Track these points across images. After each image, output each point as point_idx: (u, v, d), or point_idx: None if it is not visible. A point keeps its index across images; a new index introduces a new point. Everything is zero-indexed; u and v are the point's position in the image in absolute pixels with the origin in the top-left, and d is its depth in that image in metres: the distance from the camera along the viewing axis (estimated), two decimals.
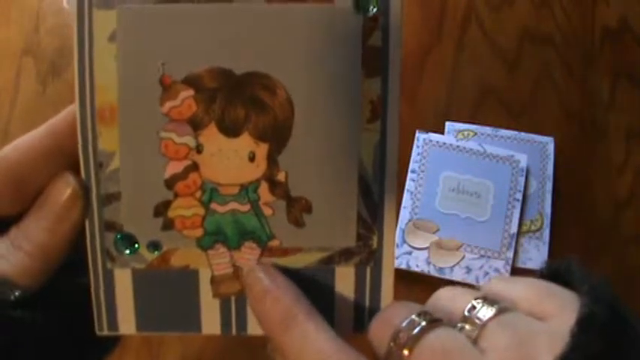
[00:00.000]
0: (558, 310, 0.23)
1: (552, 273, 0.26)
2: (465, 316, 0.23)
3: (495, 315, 0.23)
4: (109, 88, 0.26)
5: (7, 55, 0.66)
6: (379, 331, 0.24)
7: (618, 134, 0.65)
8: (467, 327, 0.23)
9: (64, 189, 0.26)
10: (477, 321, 0.23)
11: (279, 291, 0.25)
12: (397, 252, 0.58)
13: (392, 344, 0.23)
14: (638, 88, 0.66)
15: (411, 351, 0.22)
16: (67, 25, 0.67)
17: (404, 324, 0.23)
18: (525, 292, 0.24)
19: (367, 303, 0.27)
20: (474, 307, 0.23)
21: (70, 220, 0.26)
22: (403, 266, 0.58)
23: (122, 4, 0.25)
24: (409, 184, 0.61)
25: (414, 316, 0.23)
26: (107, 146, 0.26)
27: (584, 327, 0.21)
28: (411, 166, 0.61)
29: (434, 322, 0.23)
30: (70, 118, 0.26)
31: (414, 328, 0.23)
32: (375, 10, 0.26)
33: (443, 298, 0.25)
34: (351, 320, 0.27)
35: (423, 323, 0.23)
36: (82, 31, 0.25)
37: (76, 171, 0.26)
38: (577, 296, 0.23)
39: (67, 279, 0.27)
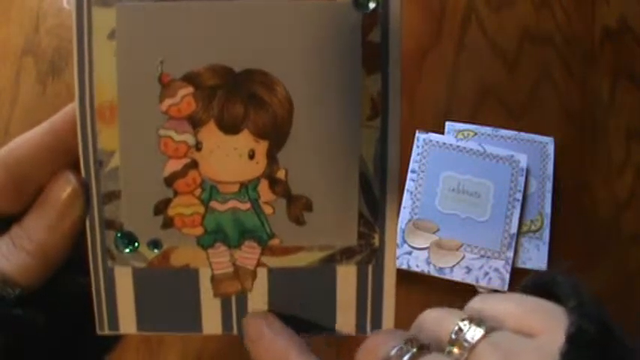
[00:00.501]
0: (545, 326, 0.22)
1: (537, 285, 0.25)
2: (452, 339, 0.23)
3: (483, 336, 0.22)
4: (108, 86, 0.26)
5: (7, 55, 0.66)
6: (370, 352, 0.24)
7: (618, 134, 0.65)
8: (455, 350, 0.23)
9: (65, 187, 0.26)
10: (465, 344, 0.22)
11: (274, 334, 0.26)
12: (397, 252, 0.59)
13: None
14: (638, 88, 0.66)
15: None
16: (67, 25, 0.67)
17: (392, 352, 0.23)
18: (511, 309, 0.24)
19: (369, 302, 0.27)
20: (460, 330, 0.23)
21: (70, 218, 0.26)
22: (403, 266, 0.58)
23: (121, 2, 0.25)
24: (409, 184, 0.61)
25: (401, 345, 0.23)
26: (107, 145, 0.26)
27: (573, 344, 0.21)
28: (411, 166, 0.61)
29: (422, 348, 0.23)
30: (71, 117, 0.26)
31: (402, 356, 0.22)
32: (374, 5, 0.25)
33: (428, 322, 0.25)
34: (352, 320, 0.27)
35: (413, 350, 0.22)
36: (82, 29, 0.25)
37: (76, 169, 0.26)
38: (564, 311, 0.23)
39: (67, 278, 0.27)
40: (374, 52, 0.26)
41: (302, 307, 0.27)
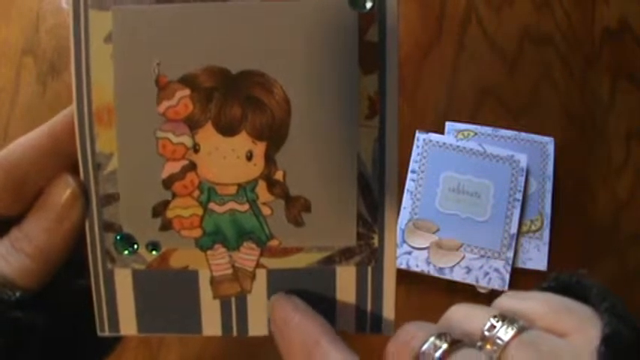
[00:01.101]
0: (577, 326, 0.22)
1: (561, 286, 0.25)
2: (484, 336, 0.23)
3: (516, 334, 0.22)
4: (105, 89, 0.26)
5: (7, 55, 0.66)
6: (398, 354, 0.24)
7: (618, 134, 0.65)
8: (488, 347, 0.23)
9: (64, 190, 0.26)
10: (498, 341, 0.22)
11: (302, 317, 0.25)
12: (397, 252, 0.58)
13: None
14: (638, 88, 0.66)
15: None
16: (67, 26, 0.67)
17: (425, 347, 0.23)
18: (542, 308, 0.24)
19: (369, 303, 0.27)
20: (493, 327, 0.23)
21: (69, 220, 0.26)
22: (403, 266, 0.58)
23: (117, 5, 0.25)
24: (409, 184, 0.61)
25: (433, 339, 0.23)
26: (105, 147, 0.26)
27: (609, 346, 0.21)
28: (411, 166, 0.61)
29: (454, 343, 0.23)
30: (69, 119, 0.26)
31: (436, 350, 0.22)
32: (370, 5, 0.25)
33: (457, 317, 0.25)
34: (353, 320, 0.27)
35: (445, 345, 0.22)
36: (79, 32, 0.25)
37: (75, 172, 0.26)
38: (594, 312, 0.23)
39: (67, 280, 0.27)
40: (371, 51, 0.26)
41: None
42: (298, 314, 0.25)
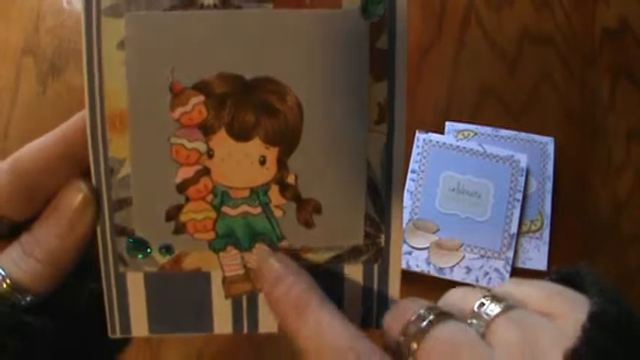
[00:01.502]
0: (567, 310, 0.23)
1: (562, 277, 0.26)
2: (474, 312, 0.24)
3: (503, 311, 0.23)
4: (118, 95, 0.26)
5: (7, 55, 0.66)
6: (391, 326, 0.25)
7: (618, 134, 0.65)
8: (474, 322, 0.24)
9: (76, 195, 0.26)
10: (485, 316, 0.23)
11: (293, 278, 0.26)
12: None
13: (402, 337, 0.24)
14: (638, 88, 0.66)
15: (419, 343, 0.23)
16: (67, 26, 0.67)
17: (413, 317, 0.24)
18: (534, 292, 0.24)
19: (375, 299, 0.28)
20: (482, 304, 0.24)
21: (81, 225, 0.26)
22: (403, 266, 0.58)
23: (130, 12, 0.25)
24: (409, 184, 0.61)
25: (423, 311, 0.24)
26: (117, 153, 0.26)
27: (596, 322, 0.21)
28: (411, 166, 0.61)
29: (442, 314, 0.24)
30: (81, 124, 0.26)
31: (423, 321, 0.23)
32: (381, 13, 0.26)
33: (454, 297, 0.26)
34: (359, 316, 0.28)
35: (432, 317, 0.23)
36: (91, 39, 0.26)
37: (87, 176, 0.26)
38: (586, 298, 0.23)
39: (77, 284, 0.28)
40: (381, 58, 0.26)
41: None
42: (290, 274, 0.26)
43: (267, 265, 0.27)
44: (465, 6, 0.69)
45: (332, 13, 0.26)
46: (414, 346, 0.23)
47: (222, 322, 0.28)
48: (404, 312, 0.24)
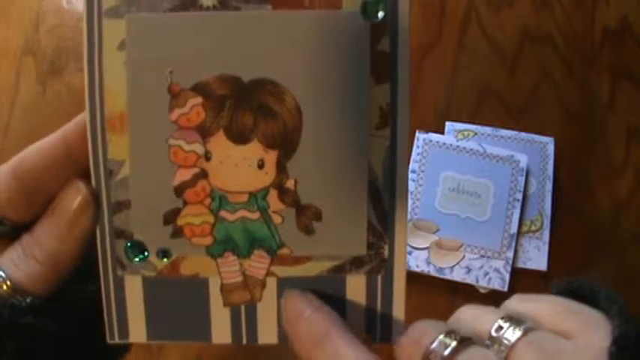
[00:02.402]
0: (583, 328, 0.23)
1: (568, 290, 0.26)
2: (492, 336, 0.23)
3: (522, 335, 0.23)
4: (118, 96, 0.26)
5: (7, 55, 0.65)
6: (407, 351, 0.24)
7: (618, 134, 0.65)
8: (495, 347, 0.23)
9: (75, 196, 0.26)
10: (505, 341, 0.23)
11: (313, 311, 0.25)
12: None
13: None
14: (638, 88, 0.66)
15: None
16: (67, 25, 0.67)
17: (434, 345, 0.23)
18: (548, 309, 0.24)
19: (379, 312, 0.27)
20: (500, 327, 0.23)
21: (80, 227, 0.26)
22: None
23: (131, 13, 0.25)
24: (409, 184, 0.61)
25: (442, 337, 0.23)
26: (117, 154, 0.26)
27: (621, 346, 0.21)
28: (411, 166, 0.61)
29: (463, 341, 0.23)
30: (82, 126, 0.26)
31: (445, 348, 0.23)
32: (382, 15, 0.25)
33: (466, 318, 0.25)
34: (362, 330, 0.27)
35: (454, 343, 0.23)
36: (92, 40, 0.26)
37: (87, 178, 0.26)
38: (601, 314, 0.23)
39: (77, 286, 0.27)
40: (383, 61, 0.26)
41: None
42: (310, 308, 0.25)
43: (288, 300, 0.26)
44: (465, 6, 0.69)
45: (331, 15, 0.25)
46: None
47: (221, 331, 0.27)
48: (421, 336, 0.24)
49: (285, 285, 0.27)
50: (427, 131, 0.63)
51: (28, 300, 0.26)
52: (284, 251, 0.27)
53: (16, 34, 0.66)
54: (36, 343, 0.26)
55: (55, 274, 0.26)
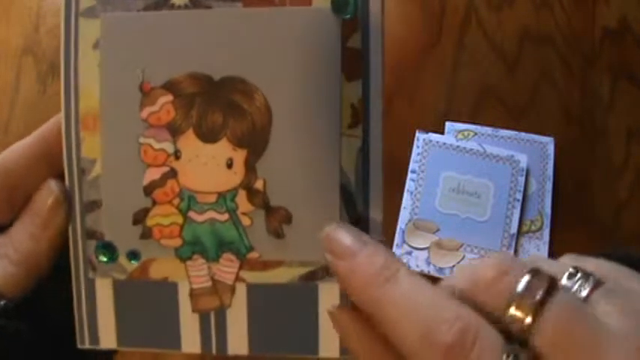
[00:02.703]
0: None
1: (620, 259, 0.24)
2: (565, 285, 0.21)
3: (596, 285, 0.21)
4: (92, 95, 0.26)
5: (7, 55, 0.66)
6: (494, 283, 0.21)
7: (618, 134, 0.65)
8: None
9: (48, 196, 0.26)
10: (582, 290, 0.21)
11: (373, 247, 0.23)
12: (397, 252, 0.58)
13: (512, 307, 0.21)
14: (638, 88, 0.66)
15: (535, 318, 0.20)
16: None
17: (522, 286, 0.21)
18: (611, 270, 0.22)
19: None
20: (573, 275, 0.21)
21: (53, 227, 0.26)
22: None
23: (106, 13, 0.25)
24: (409, 184, 0.61)
25: (528, 276, 0.21)
26: (90, 153, 0.26)
27: None
28: (411, 166, 0.61)
29: (553, 286, 0.21)
30: (59, 125, 0.26)
31: (536, 291, 0.20)
32: (354, 11, 0.25)
33: (541, 261, 0.23)
34: (337, 343, 0.26)
35: (544, 286, 0.20)
36: (69, 39, 0.26)
37: (63, 177, 0.26)
38: None
39: (52, 288, 0.27)
40: (354, 58, 0.25)
41: (283, 328, 0.26)
42: (369, 245, 0.23)
43: (337, 235, 0.23)
44: (465, 6, 0.69)
45: (302, 11, 0.25)
46: (529, 321, 0.20)
47: (190, 339, 0.26)
48: (508, 273, 0.21)
49: (255, 291, 0.26)
50: (427, 131, 0.63)
51: (1, 303, 0.25)
52: (253, 255, 0.26)
53: (16, 34, 0.66)
54: (10, 346, 0.25)
55: (28, 274, 0.26)
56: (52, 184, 0.26)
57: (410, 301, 0.21)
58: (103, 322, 0.27)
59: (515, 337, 0.21)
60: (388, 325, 0.21)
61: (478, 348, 0.20)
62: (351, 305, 0.23)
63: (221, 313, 0.26)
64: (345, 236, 0.23)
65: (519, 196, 0.60)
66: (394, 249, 0.58)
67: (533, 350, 0.20)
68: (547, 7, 0.69)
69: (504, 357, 0.20)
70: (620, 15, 0.68)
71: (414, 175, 0.61)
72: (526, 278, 0.21)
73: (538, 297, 0.20)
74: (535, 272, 0.21)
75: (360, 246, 0.23)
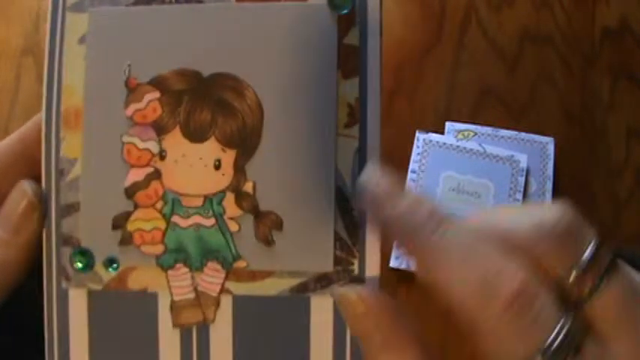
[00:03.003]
0: None
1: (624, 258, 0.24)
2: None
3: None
4: (75, 90, 0.24)
5: (7, 55, 0.65)
6: (562, 244, 0.20)
7: (618, 134, 0.65)
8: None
9: (20, 199, 0.24)
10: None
11: (419, 195, 0.21)
12: (397, 252, 0.58)
13: (576, 272, 0.19)
14: (638, 88, 0.66)
15: (596, 290, 0.19)
16: None
17: (589, 253, 0.20)
18: None
19: (348, 339, 0.24)
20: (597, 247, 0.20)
21: (26, 232, 0.24)
22: (403, 266, 0.58)
23: (93, 7, 0.24)
24: (409, 184, 0.61)
25: (597, 245, 0.20)
26: (69, 152, 0.24)
27: None
28: (411, 166, 0.61)
29: (615, 259, 0.20)
30: (39, 124, 0.25)
31: (602, 262, 0.19)
32: (351, 6, 0.24)
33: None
34: (329, 359, 0.24)
35: (609, 257, 0.19)
36: (55, 33, 0.25)
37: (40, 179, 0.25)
38: None
39: (30, 296, 0.26)
40: (351, 55, 0.24)
41: (271, 345, 0.24)
42: (414, 194, 0.21)
43: (380, 179, 0.22)
44: (464, 6, 0.69)
45: (297, 6, 0.24)
46: (588, 290, 0.19)
47: (170, 358, 0.24)
48: (570, 234, 0.20)
49: (241, 304, 0.24)
50: (427, 131, 0.62)
51: None
52: (240, 264, 0.24)
53: (16, 34, 0.66)
54: None
55: (1, 282, 0.24)
56: (26, 186, 0.24)
57: (469, 248, 0.20)
58: (75, 337, 0.24)
59: (567, 301, 0.19)
60: (441, 271, 0.20)
61: (538, 305, 0.19)
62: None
63: (204, 329, 0.24)
64: (385, 181, 0.21)
65: (519, 196, 0.60)
66: (394, 249, 0.58)
67: (584, 319, 0.19)
68: (547, 7, 0.68)
69: (561, 322, 0.19)
70: (620, 15, 0.68)
71: (414, 175, 0.61)
72: (592, 245, 0.20)
73: (604, 268, 0.19)
74: (601, 242, 0.20)
75: (404, 190, 0.21)
